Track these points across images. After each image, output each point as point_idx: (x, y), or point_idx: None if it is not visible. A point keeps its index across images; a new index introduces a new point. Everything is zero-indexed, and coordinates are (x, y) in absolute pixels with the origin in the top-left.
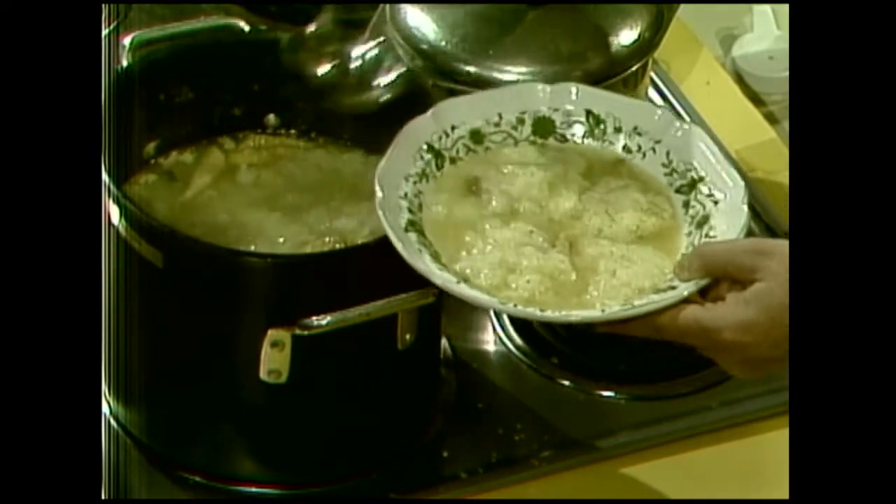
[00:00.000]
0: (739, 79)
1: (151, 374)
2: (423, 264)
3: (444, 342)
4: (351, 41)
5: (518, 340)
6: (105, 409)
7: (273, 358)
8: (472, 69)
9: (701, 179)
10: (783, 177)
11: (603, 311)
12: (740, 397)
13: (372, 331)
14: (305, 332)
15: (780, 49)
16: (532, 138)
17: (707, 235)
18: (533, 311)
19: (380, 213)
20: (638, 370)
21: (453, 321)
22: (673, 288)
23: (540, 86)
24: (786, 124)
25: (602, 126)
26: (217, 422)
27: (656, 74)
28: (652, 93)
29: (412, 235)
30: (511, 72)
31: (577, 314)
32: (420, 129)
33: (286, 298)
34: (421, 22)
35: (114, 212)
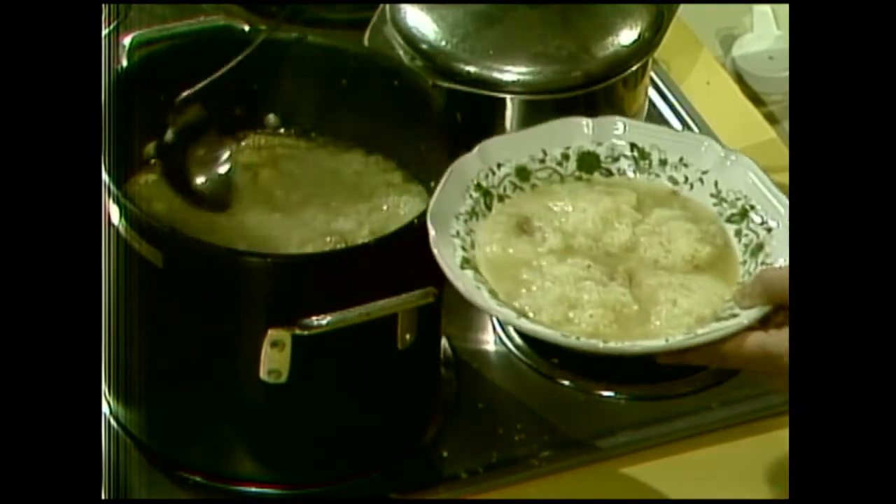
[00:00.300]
0: (739, 79)
1: (151, 374)
2: (483, 301)
3: (444, 342)
4: (226, 144)
5: (518, 340)
6: (105, 409)
7: (273, 358)
8: (472, 69)
9: (752, 208)
10: (783, 177)
11: (667, 340)
12: (740, 397)
13: (372, 331)
14: (305, 332)
15: (780, 49)
16: (578, 174)
17: (763, 263)
18: (595, 343)
19: (434, 250)
20: (638, 370)
21: (453, 321)
22: (734, 315)
23: (584, 120)
24: (786, 124)
25: (647, 160)
26: (217, 422)
27: (656, 74)
28: (652, 93)
29: (468, 273)
30: (511, 72)
31: (640, 345)
32: (467, 167)
33: (286, 298)
34: (421, 22)
35: (114, 212)
